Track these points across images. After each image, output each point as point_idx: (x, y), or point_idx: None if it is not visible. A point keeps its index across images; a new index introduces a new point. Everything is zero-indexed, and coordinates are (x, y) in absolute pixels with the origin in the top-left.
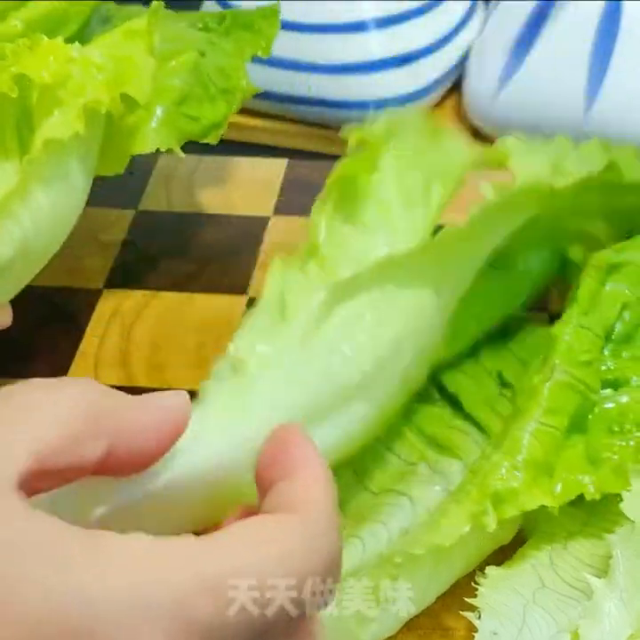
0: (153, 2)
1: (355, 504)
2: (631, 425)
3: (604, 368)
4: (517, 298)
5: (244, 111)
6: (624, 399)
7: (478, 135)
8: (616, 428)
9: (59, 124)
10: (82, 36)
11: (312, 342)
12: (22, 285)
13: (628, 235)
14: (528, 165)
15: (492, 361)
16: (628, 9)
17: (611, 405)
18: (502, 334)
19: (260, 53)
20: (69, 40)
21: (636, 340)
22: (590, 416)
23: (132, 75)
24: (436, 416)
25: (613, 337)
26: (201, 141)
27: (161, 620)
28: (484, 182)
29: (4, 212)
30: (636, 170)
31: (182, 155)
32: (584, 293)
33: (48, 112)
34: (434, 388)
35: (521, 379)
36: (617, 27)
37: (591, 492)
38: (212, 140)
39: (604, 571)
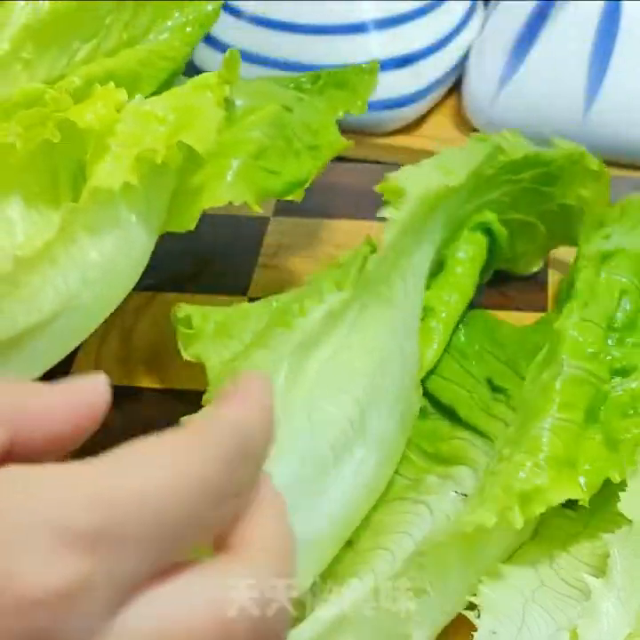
0: (227, 52)
1: (374, 517)
2: None
3: (610, 358)
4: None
5: None
6: (634, 385)
7: None
8: (630, 412)
9: (108, 173)
10: None
11: (290, 407)
12: (71, 347)
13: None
14: (419, 181)
15: (479, 368)
16: (627, 9)
17: (621, 392)
18: (484, 340)
19: (354, 112)
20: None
21: (637, 325)
22: (603, 406)
23: (195, 125)
24: (435, 431)
25: (616, 326)
26: (283, 198)
27: (41, 532)
28: (380, 210)
29: (46, 259)
30: (521, 146)
31: (259, 210)
32: (581, 286)
33: (99, 160)
34: (427, 401)
35: (511, 382)
36: (617, 27)
37: (615, 477)
38: (297, 197)
39: (603, 571)
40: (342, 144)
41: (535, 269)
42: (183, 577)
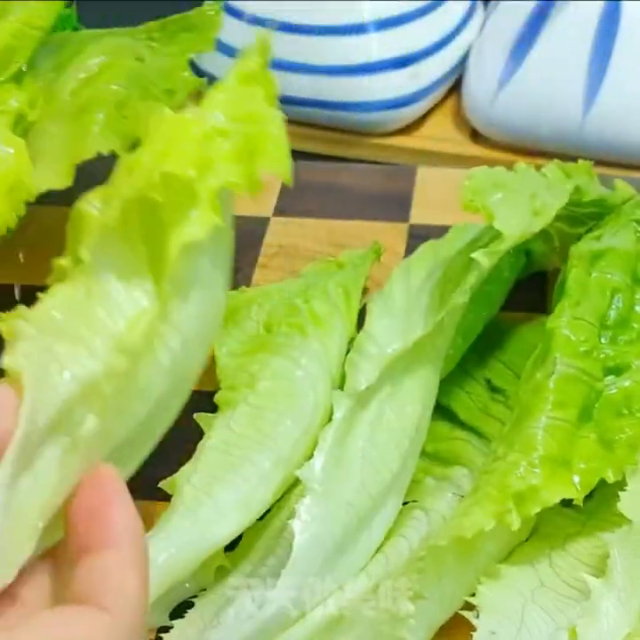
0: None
1: None
2: (638, 404)
3: (603, 356)
4: (496, 304)
5: None
6: (627, 383)
7: (477, 136)
8: (624, 411)
9: (194, 223)
10: (32, 70)
11: (343, 457)
12: (173, 417)
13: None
14: (511, 220)
15: (477, 369)
16: (627, 9)
17: (615, 391)
18: (483, 342)
19: (203, 50)
20: (17, 77)
21: (630, 323)
22: (597, 404)
23: (266, 142)
24: (434, 431)
25: (608, 324)
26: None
27: None
28: (477, 253)
29: (153, 339)
30: (594, 189)
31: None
32: (572, 285)
33: (179, 209)
34: None
35: (510, 382)
36: (617, 27)
37: (610, 477)
38: None
39: (603, 571)
40: (196, 82)
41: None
42: None
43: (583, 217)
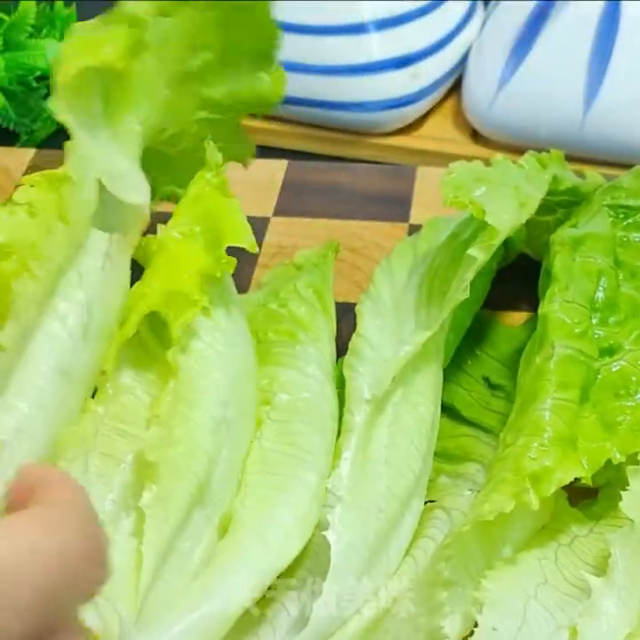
0: None
1: None
2: (635, 386)
3: (596, 336)
4: (481, 297)
5: None
6: (622, 363)
7: (477, 136)
8: (622, 392)
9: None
10: None
11: (366, 463)
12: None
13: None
14: (502, 214)
15: (475, 368)
16: (627, 9)
17: (610, 371)
18: (475, 341)
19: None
20: None
21: (617, 304)
22: (594, 385)
23: (225, 222)
24: (439, 430)
25: (597, 306)
26: None
27: None
28: (472, 249)
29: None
30: (568, 177)
31: None
32: (560, 270)
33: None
34: None
35: (507, 378)
36: (617, 27)
37: (617, 457)
38: None
39: (605, 571)
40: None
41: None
42: None
43: (554, 205)
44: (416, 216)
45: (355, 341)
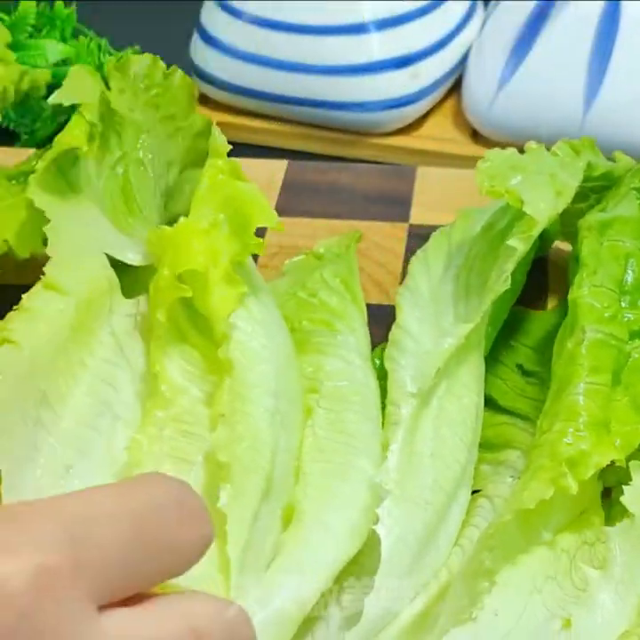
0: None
1: None
2: None
3: (626, 319)
4: (519, 288)
5: (244, 112)
6: None
7: (477, 136)
8: None
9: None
10: None
11: (413, 455)
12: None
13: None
14: (539, 203)
15: (508, 357)
16: (627, 9)
17: None
18: (507, 330)
19: None
20: None
21: None
22: (625, 368)
23: (248, 208)
24: None
25: (626, 289)
26: None
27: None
28: (512, 240)
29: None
30: (601, 163)
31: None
32: (587, 255)
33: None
34: None
35: (540, 364)
36: (616, 27)
37: None
38: None
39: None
40: None
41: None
42: (151, 602)
43: (588, 191)
44: (416, 216)
45: (395, 333)
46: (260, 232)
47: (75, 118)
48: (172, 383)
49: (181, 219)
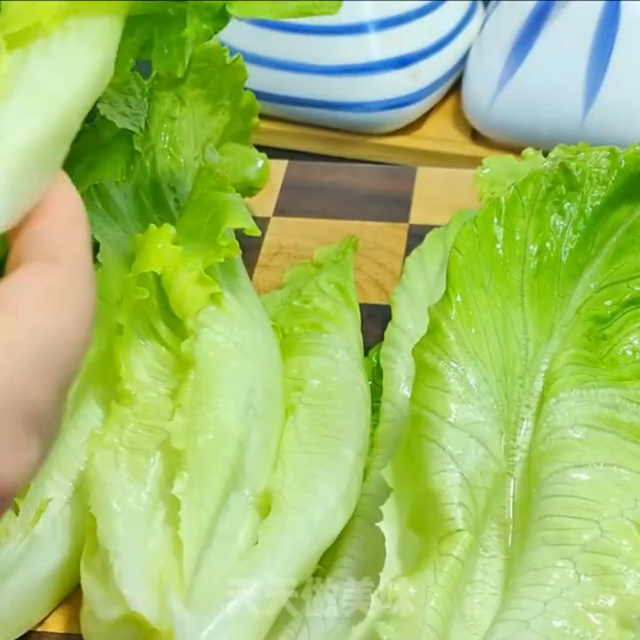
0: None
1: None
2: None
3: None
4: None
5: None
6: None
7: (477, 136)
8: None
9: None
10: None
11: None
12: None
13: None
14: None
15: None
16: (627, 9)
17: None
18: None
19: None
20: None
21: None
22: None
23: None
24: None
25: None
26: None
27: None
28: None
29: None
30: None
31: None
32: None
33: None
34: None
35: None
36: (616, 27)
37: None
38: None
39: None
40: None
41: None
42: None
43: None
44: (416, 216)
45: (391, 331)
46: (260, 230)
47: None
48: (137, 381)
49: (151, 226)
